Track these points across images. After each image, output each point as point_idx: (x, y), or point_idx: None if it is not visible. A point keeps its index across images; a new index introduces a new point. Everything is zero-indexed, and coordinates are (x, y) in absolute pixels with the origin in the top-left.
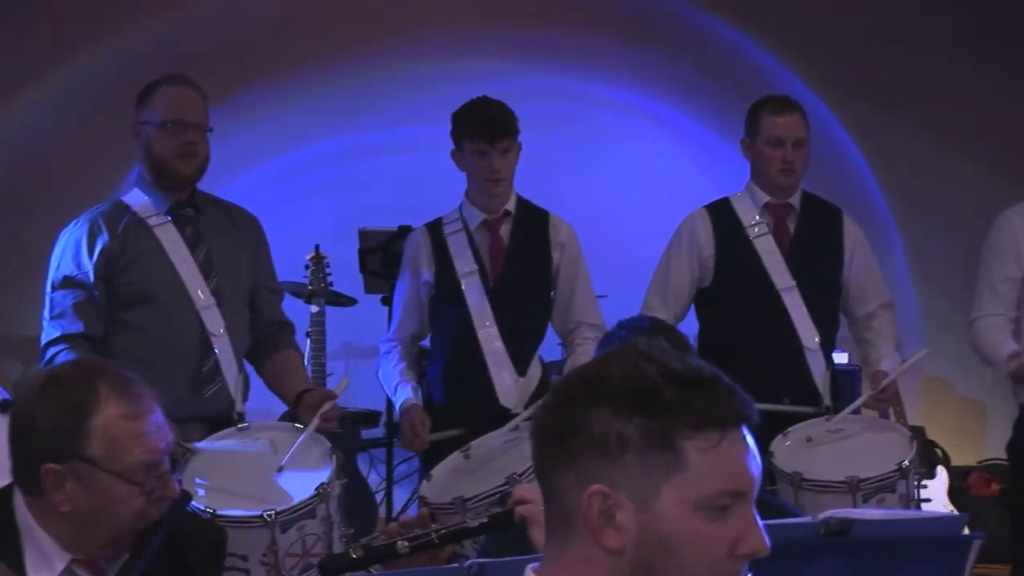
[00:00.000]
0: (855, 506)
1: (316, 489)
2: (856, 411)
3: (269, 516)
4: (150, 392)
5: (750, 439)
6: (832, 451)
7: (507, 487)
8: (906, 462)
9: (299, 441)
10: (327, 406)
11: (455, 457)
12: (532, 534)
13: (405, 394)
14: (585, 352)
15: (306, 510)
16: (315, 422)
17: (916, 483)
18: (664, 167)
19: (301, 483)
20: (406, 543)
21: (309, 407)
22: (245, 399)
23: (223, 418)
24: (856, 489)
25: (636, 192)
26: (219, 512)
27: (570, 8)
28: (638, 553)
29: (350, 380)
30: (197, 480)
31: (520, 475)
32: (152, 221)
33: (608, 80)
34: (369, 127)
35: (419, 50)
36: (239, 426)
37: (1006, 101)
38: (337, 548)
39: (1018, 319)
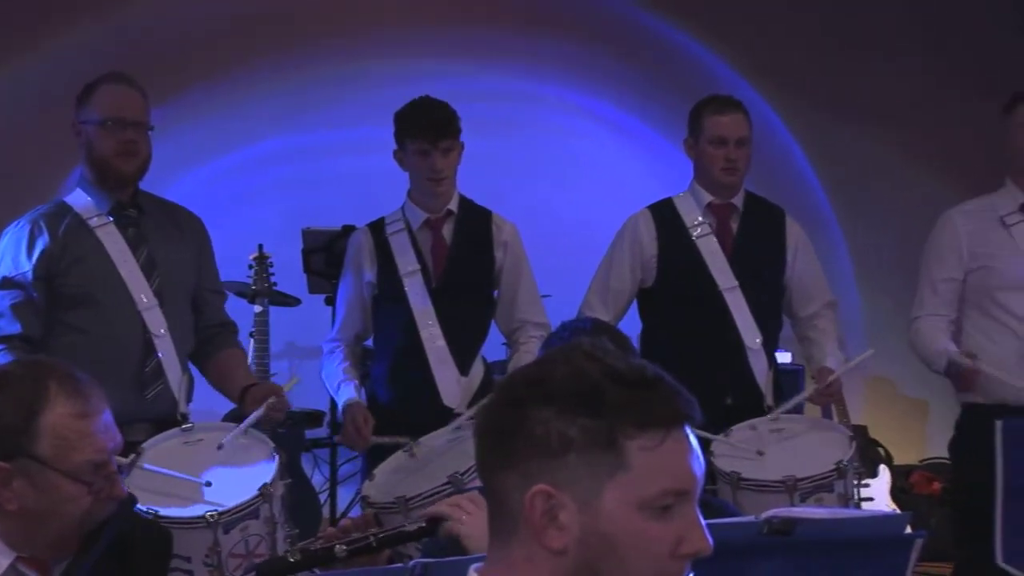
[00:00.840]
0: (792, 505)
1: (259, 489)
2: (799, 407)
3: (212, 517)
4: (99, 392)
5: (693, 439)
6: (773, 451)
7: (450, 486)
8: (844, 462)
9: (240, 429)
10: (273, 399)
11: (398, 456)
12: (465, 544)
13: (348, 392)
14: (530, 351)
15: (249, 511)
16: (257, 413)
17: (856, 482)
18: (608, 167)
19: (244, 484)
20: (344, 547)
21: (255, 401)
22: (189, 400)
23: (167, 419)
24: (794, 489)
25: (580, 192)
26: (162, 513)
27: (515, 8)
28: (581, 553)
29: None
30: (140, 482)
31: (463, 474)
32: (93, 222)
33: (553, 80)
34: (312, 127)
35: (363, 50)
36: (183, 427)
37: (949, 101)
38: (280, 549)
39: (958, 320)
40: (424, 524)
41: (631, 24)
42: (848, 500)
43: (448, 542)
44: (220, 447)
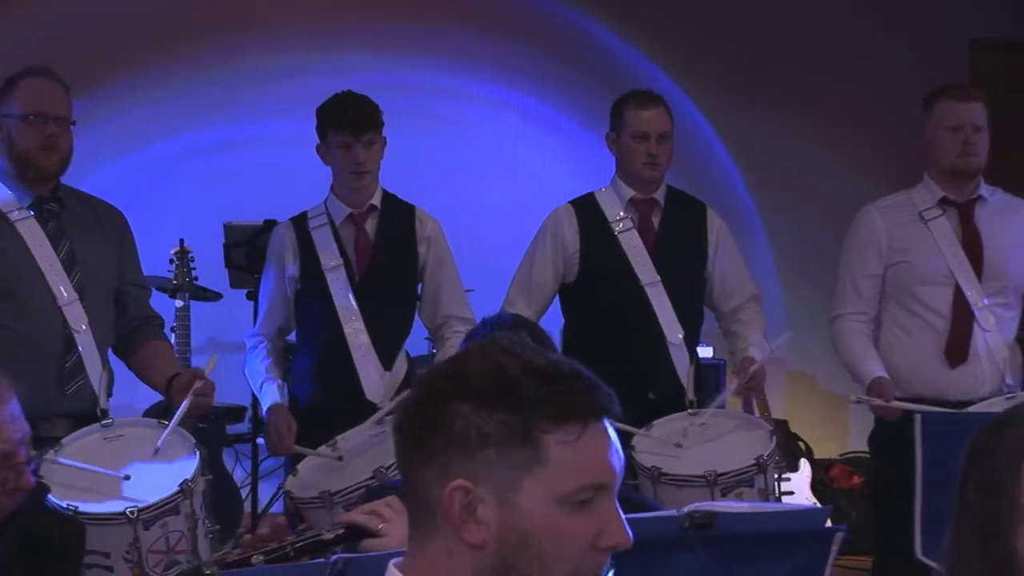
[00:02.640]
0: (713, 500)
1: (180, 485)
2: (723, 403)
3: (131, 513)
4: (6, 382)
5: (612, 433)
6: (694, 446)
7: (373, 481)
8: (764, 456)
9: (173, 422)
10: (198, 384)
11: (322, 451)
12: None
13: (271, 394)
14: (455, 346)
15: (169, 506)
16: (185, 404)
17: (776, 477)
18: (531, 161)
19: (164, 479)
20: (261, 557)
21: (180, 390)
22: (109, 395)
23: (87, 414)
24: (715, 483)
25: (503, 186)
26: (81, 509)
27: (436, 3)
28: (500, 547)
29: (215, 379)
30: (59, 477)
31: (387, 468)
32: (14, 216)
33: (474, 75)
34: (234, 120)
35: (285, 44)
36: (103, 422)
37: (869, 96)
38: (202, 544)
39: (878, 317)
40: (342, 531)
41: (552, 18)
42: (769, 494)
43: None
44: (156, 451)
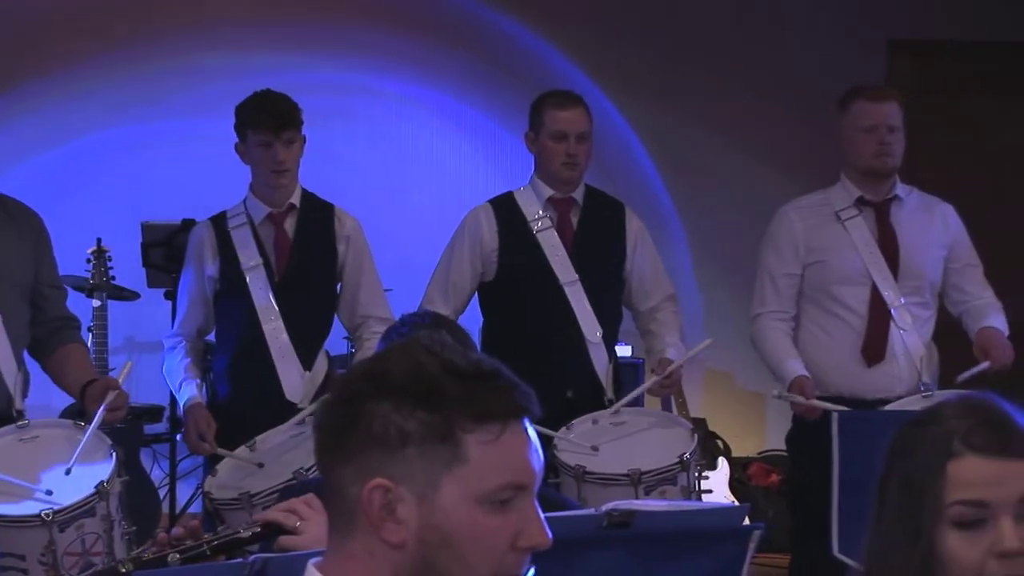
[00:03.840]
0: (637, 498)
1: (95, 487)
2: (639, 399)
3: (46, 515)
4: None
5: (532, 432)
6: (615, 444)
7: (293, 482)
8: (687, 454)
9: (85, 438)
10: (111, 396)
11: (241, 452)
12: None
13: (190, 392)
14: (374, 346)
15: (85, 508)
16: (99, 415)
17: (697, 475)
18: (450, 160)
19: (80, 481)
20: (177, 555)
21: (93, 399)
22: (24, 396)
23: (2, 415)
24: (638, 482)
25: (421, 185)
26: None
27: (353, 2)
28: (420, 547)
29: (133, 379)
30: None
31: (307, 469)
32: None
33: (392, 73)
34: (152, 119)
35: (201, 42)
36: (18, 424)
37: (786, 99)
38: (118, 546)
39: (797, 316)
40: (259, 529)
41: (470, 17)
42: (691, 492)
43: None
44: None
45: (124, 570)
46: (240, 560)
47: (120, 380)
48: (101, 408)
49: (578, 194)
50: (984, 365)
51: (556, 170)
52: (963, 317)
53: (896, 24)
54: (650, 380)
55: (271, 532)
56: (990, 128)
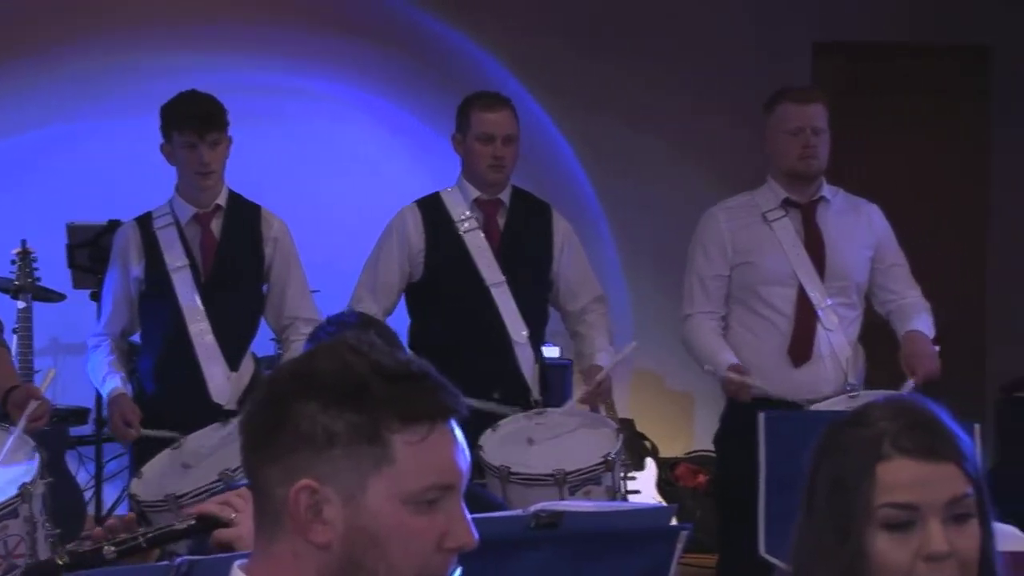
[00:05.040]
0: (562, 499)
1: (18, 489)
2: (564, 399)
3: None
4: None
5: (459, 433)
6: (541, 445)
7: (220, 483)
8: (611, 454)
9: (8, 443)
10: (32, 406)
11: (167, 454)
12: (238, 548)
13: (113, 383)
14: (300, 348)
15: (7, 511)
16: (22, 423)
17: (623, 475)
18: (377, 160)
19: (2, 483)
20: (113, 548)
21: (16, 405)
22: None
23: None
24: (563, 482)
25: (349, 186)
26: None
27: (283, 2)
28: (346, 548)
29: (58, 382)
30: None
31: (234, 471)
32: None
33: (320, 73)
34: (77, 119)
35: (128, 42)
36: None
37: (713, 100)
38: (41, 549)
39: (726, 317)
40: (194, 522)
41: (399, 19)
42: (616, 493)
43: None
44: None
45: (61, 562)
46: (166, 563)
47: (43, 389)
48: (22, 420)
49: (505, 195)
50: (910, 384)
51: (483, 172)
52: (890, 317)
53: (821, 26)
54: (581, 390)
55: (206, 525)
56: (915, 129)
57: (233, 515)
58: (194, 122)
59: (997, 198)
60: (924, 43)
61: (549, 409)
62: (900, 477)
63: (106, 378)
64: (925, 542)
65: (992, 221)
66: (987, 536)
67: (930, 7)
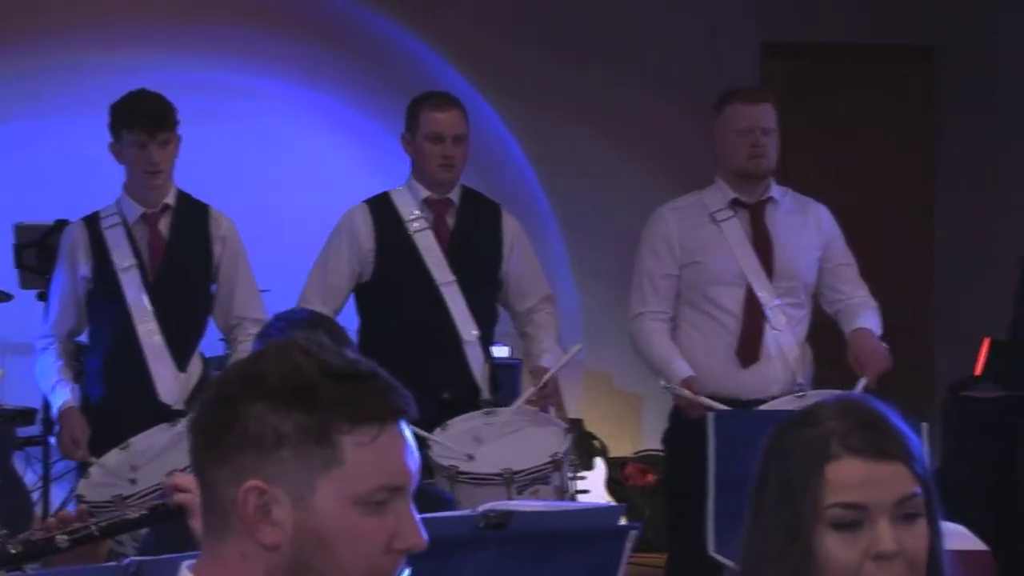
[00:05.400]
0: (510, 498)
1: None
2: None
3: None
4: None
5: (408, 434)
6: (489, 444)
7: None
8: (560, 454)
9: None
10: None
11: (115, 454)
12: (192, 524)
13: (63, 396)
14: (249, 348)
15: None
16: None
17: (572, 475)
18: (327, 160)
19: None
20: (66, 537)
21: None
22: None
23: None
24: (511, 481)
25: (298, 185)
26: None
27: (232, 2)
28: (295, 549)
29: (7, 378)
30: None
31: (182, 471)
32: None
33: (270, 73)
34: (24, 118)
35: (75, 40)
36: None
37: (662, 98)
38: None
39: (675, 317)
40: (147, 512)
41: (349, 18)
42: (564, 492)
43: (166, 540)
44: None
45: (14, 551)
46: (113, 564)
47: None
48: None
49: (454, 195)
50: (862, 383)
51: (432, 171)
52: (838, 316)
53: (769, 26)
54: (528, 392)
55: (159, 514)
56: (862, 129)
57: (188, 494)
58: (144, 121)
59: (943, 197)
60: (870, 43)
61: (499, 409)
62: (849, 477)
63: (56, 387)
64: (874, 541)
65: (938, 221)
66: (935, 535)
67: (876, 8)
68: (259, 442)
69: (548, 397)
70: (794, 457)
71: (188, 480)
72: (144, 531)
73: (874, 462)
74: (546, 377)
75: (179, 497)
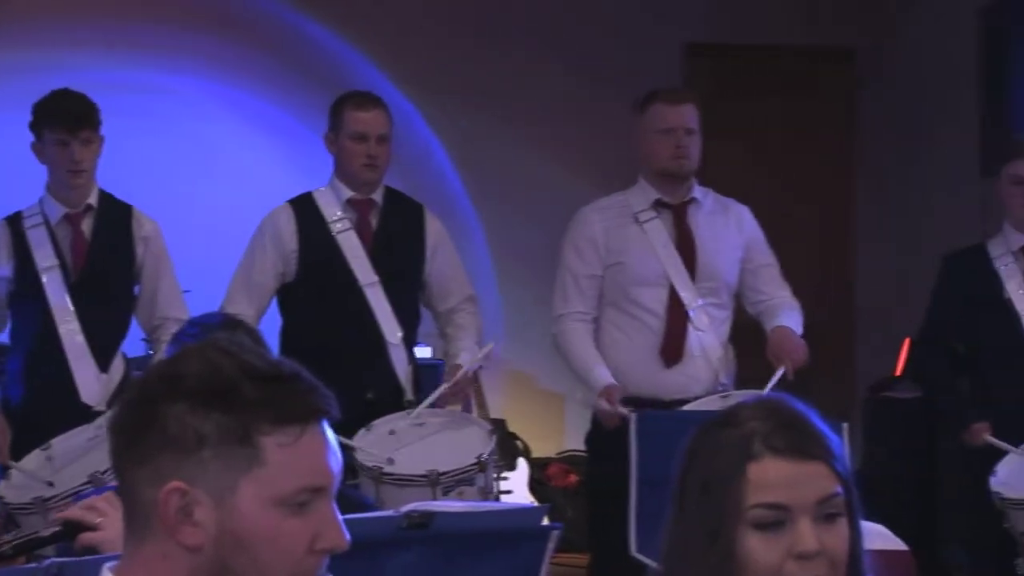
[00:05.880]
0: (435, 499)
1: None
2: (435, 405)
3: None
4: None
5: (330, 434)
6: (414, 445)
7: (90, 485)
8: (485, 455)
9: None
10: None
11: (36, 455)
12: (106, 552)
13: None
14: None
15: None
16: None
17: (496, 475)
18: (249, 159)
19: None
20: None
21: None
22: None
23: None
24: (436, 483)
25: (221, 185)
26: None
27: (153, 1)
28: (217, 550)
29: None
30: None
31: (103, 473)
32: None
33: (192, 72)
34: None
35: (1, 39)
36: None
37: (584, 98)
38: None
39: (598, 318)
40: (59, 528)
41: (271, 17)
42: (489, 493)
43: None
44: None
45: None
46: (34, 565)
47: None
48: None
49: (378, 195)
50: (780, 372)
51: (356, 171)
52: (760, 317)
53: (691, 27)
54: (439, 389)
55: (72, 531)
56: (784, 130)
57: (98, 520)
58: (66, 120)
59: (864, 198)
60: (792, 45)
61: (419, 407)
62: (770, 477)
63: None
64: (795, 541)
65: (859, 221)
66: (855, 535)
67: (798, 10)
68: (180, 443)
69: (458, 394)
70: (716, 457)
71: (102, 505)
72: None
73: (795, 462)
74: (459, 375)
75: (85, 540)
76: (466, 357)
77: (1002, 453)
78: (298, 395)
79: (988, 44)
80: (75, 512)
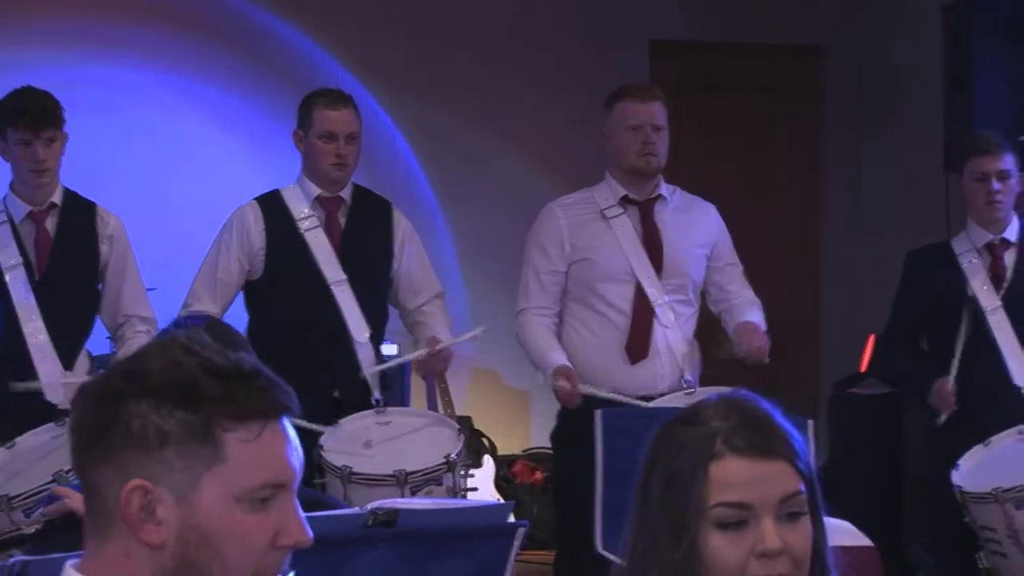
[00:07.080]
0: (403, 498)
1: None
2: (404, 399)
3: None
4: None
5: (292, 431)
6: (382, 445)
7: (54, 484)
8: (453, 455)
9: None
10: None
11: (0, 453)
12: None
13: None
14: (136, 346)
15: None
16: None
17: (463, 474)
18: (215, 158)
19: None
20: None
21: None
22: None
23: None
24: (404, 482)
25: (187, 183)
26: None
27: None
28: (180, 547)
29: None
30: None
31: (67, 472)
32: None
33: (157, 68)
34: None
35: None
36: None
37: (551, 95)
38: None
39: (561, 314)
40: (41, 526)
41: (236, 14)
42: (457, 493)
43: (59, 542)
44: None
45: None
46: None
47: None
48: None
49: (346, 193)
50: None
51: (325, 170)
52: (723, 315)
53: (657, 25)
54: (417, 352)
55: (54, 528)
56: (750, 128)
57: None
58: (29, 119)
59: (830, 196)
60: (759, 43)
61: (390, 408)
62: (733, 476)
63: None
64: (758, 540)
65: (825, 219)
66: (819, 532)
67: (765, 7)
68: (142, 441)
69: (436, 363)
70: (678, 456)
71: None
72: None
73: (758, 461)
74: (442, 344)
75: (72, 504)
76: (444, 333)
77: (965, 447)
78: (259, 392)
79: (952, 41)
80: (53, 509)
